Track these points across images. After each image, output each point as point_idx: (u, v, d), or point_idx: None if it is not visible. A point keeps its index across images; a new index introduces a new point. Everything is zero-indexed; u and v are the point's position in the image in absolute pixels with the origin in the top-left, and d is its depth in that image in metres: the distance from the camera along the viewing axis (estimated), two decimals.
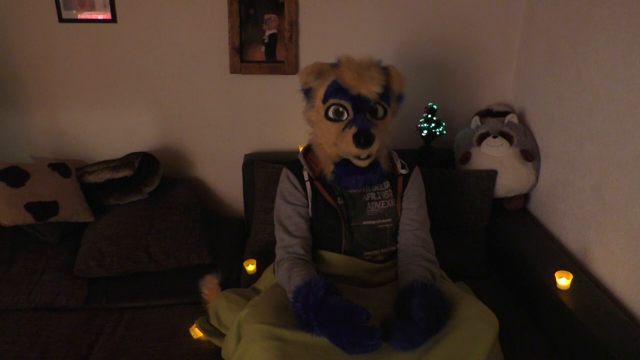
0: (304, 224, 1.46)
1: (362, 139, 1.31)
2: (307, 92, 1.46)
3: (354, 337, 1.13)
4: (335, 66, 1.41)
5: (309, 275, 1.30)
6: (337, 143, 1.38)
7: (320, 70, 1.41)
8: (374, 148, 1.34)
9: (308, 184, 1.48)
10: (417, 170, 1.56)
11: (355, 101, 1.36)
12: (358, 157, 1.37)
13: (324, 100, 1.39)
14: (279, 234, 1.47)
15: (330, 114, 1.38)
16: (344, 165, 1.42)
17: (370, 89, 1.34)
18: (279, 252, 1.45)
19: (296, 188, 1.48)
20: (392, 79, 1.42)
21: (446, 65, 2.16)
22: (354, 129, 1.32)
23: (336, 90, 1.37)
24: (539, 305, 1.62)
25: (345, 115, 1.37)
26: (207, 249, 1.89)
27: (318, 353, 1.19)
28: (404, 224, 1.50)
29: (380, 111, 1.40)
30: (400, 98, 1.48)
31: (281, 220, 1.48)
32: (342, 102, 1.36)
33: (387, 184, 1.51)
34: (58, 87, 2.09)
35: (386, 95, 1.40)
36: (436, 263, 1.46)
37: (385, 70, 1.41)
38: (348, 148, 1.34)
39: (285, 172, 1.51)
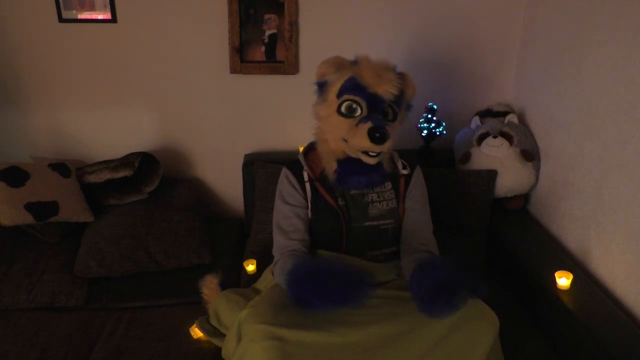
0: (301, 225, 1.45)
1: (378, 134, 1.31)
2: (321, 86, 1.45)
3: (343, 284, 1.19)
4: (353, 63, 1.42)
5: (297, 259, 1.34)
6: (347, 138, 1.37)
7: (340, 64, 1.41)
8: (386, 146, 1.34)
9: (308, 185, 1.47)
10: (418, 170, 1.56)
11: (370, 99, 1.36)
12: (368, 154, 1.37)
13: (339, 95, 1.39)
14: (276, 237, 1.47)
15: (343, 109, 1.38)
16: (347, 164, 1.42)
17: (387, 90, 1.36)
18: (275, 255, 1.45)
19: (295, 189, 1.47)
20: (407, 85, 1.44)
21: (446, 65, 2.16)
22: (369, 124, 1.32)
23: (353, 86, 1.37)
24: (539, 305, 1.62)
25: (359, 112, 1.37)
26: (207, 249, 1.89)
27: (318, 353, 1.19)
28: (407, 225, 1.50)
29: (391, 114, 1.40)
30: (409, 107, 1.49)
31: (279, 222, 1.48)
32: (357, 98, 1.36)
33: (388, 185, 1.50)
34: (58, 87, 2.09)
35: (399, 99, 1.41)
36: None
37: (401, 76, 1.42)
38: (361, 142, 1.34)
39: (285, 172, 1.51)
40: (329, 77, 1.42)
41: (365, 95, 1.36)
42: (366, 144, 1.33)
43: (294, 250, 1.42)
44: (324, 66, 1.42)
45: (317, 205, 1.46)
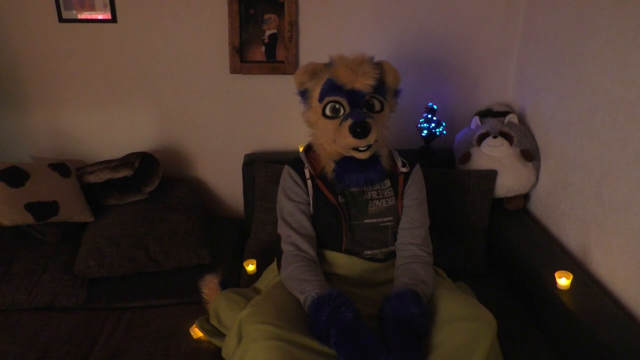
0: (307, 221, 1.46)
1: (359, 129, 1.33)
2: (304, 94, 1.48)
3: None
4: (328, 65, 1.43)
5: (331, 286, 1.32)
6: (335, 139, 1.39)
7: (314, 70, 1.43)
8: (371, 138, 1.35)
9: (309, 182, 1.48)
10: (417, 168, 1.57)
11: (350, 96, 1.37)
12: (357, 149, 1.38)
13: (320, 99, 1.41)
14: (285, 230, 1.47)
15: (327, 111, 1.40)
16: (345, 163, 1.43)
17: (364, 83, 1.37)
18: (287, 248, 1.44)
19: (298, 185, 1.49)
20: (386, 73, 1.44)
21: (446, 65, 2.16)
22: (349, 121, 1.34)
23: (331, 87, 1.39)
24: (539, 305, 1.62)
25: (342, 111, 1.39)
26: (207, 249, 1.89)
27: (319, 356, 1.19)
28: (403, 222, 1.50)
29: (377, 105, 1.42)
30: (397, 93, 1.50)
31: (285, 217, 1.48)
32: (338, 98, 1.38)
33: (388, 183, 1.51)
34: (58, 87, 2.09)
35: (381, 89, 1.42)
36: (430, 263, 1.46)
37: (379, 65, 1.43)
38: (346, 140, 1.35)
39: (287, 170, 1.52)
40: (307, 85, 1.45)
41: (344, 94, 1.37)
42: (350, 140, 1.35)
43: (309, 254, 1.42)
44: (300, 75, 1.44)
45: (318, 202, 1.47)
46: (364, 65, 1.39)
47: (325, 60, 1.46)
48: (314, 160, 1.52)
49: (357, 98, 1.38)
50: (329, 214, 1.46)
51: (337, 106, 1.39)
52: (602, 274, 1.61)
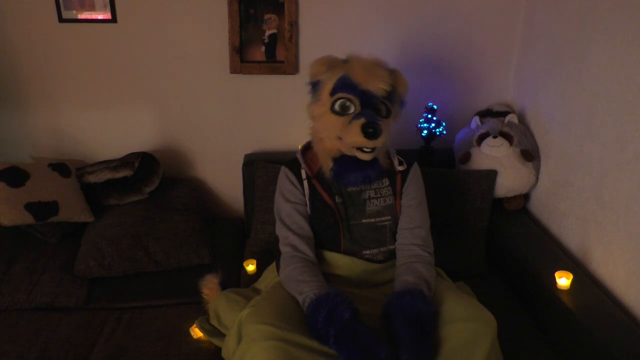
0: (304, 222, 1.46)
1: (371, 129, 1.32)
2: (315, 85, 1.46)
3: None
4: (345, 62, 1.43)
5: (329, 286, 1.32)
6: (342, 136, 1.38)
7: (331, 63, 1.42)
8: (380, 140, 1.35)
9: (305, 183, 1.48)
10: (415, 166, 1.57)
11: (363, 96, 1.37)
12: (362, 150, 1.37)
13: (332, 93, 1.40)
14: (283, 231, 1.47)
15: (337, 107, 1.39)
16: (343, 161, 1.43)
17: (379, 86, 1.37)
18: (285, 249, 1.44)
19: (295, 186, 1.48)
20: (398, 82, 1.44)
21: (446, 65, 2.16)
22: (362, 120, 1.33)
23: (345, 84, 1.38)
24: (539, 305, 1.62)
25: (352, 109, 1.38)
26: (207, 249, 1.89)
27: (320, 357, 1.19)
28: (402, 222, 1.50)
29: (384, 110, 1.41)
30: (402, 103, 1.50)
31: (282, 218, 1.48)
32: (350, 96, 1.37)
33: (386, 181, 1.51)
34: (58, 87, 2.09)
35: (391, 95, 1.42)
36: (432, 264, 1.46)
37: (393, 72, 1.43)
38: (355, 138, 1.34)
39: (284, 171, 1.52)
40: (321, 77, 1.43)
41: (358, 93, 1.37)
42: (360, 139, 1.34)
43: (308, 255, 1.42)
44: (316, 66, 1.43)
45: (315, 203, 1.47)
46: (380, 69, 1.39)
47: None
48: (311, 160, 1.52)
49: (369, 99, 1.38)
50: (325, 215, 1.46)
51: (347, 103, 1.38)
52: (602, 274, 1.61)
